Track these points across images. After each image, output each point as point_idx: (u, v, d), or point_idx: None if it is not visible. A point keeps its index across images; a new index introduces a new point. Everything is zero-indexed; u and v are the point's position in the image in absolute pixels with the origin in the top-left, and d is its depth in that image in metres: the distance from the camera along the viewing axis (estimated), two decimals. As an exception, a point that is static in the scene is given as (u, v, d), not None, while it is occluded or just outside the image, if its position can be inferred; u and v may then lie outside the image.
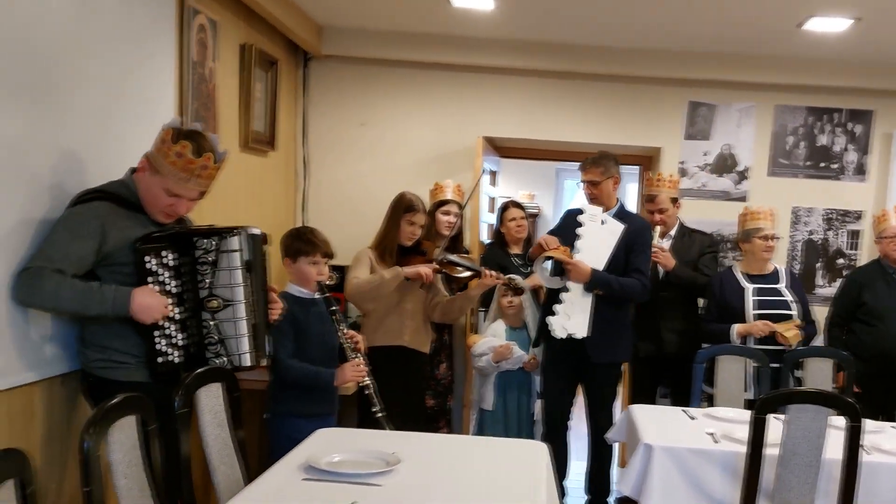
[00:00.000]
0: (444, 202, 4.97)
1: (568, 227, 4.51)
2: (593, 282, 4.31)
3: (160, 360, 2.79)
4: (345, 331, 3.61)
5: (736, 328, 4.48)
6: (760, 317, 4.48)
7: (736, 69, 5.48)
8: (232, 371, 2.90)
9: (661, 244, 4.81)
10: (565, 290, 4.35)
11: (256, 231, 2.93)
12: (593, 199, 4.49)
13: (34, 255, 2.63)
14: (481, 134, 5.53)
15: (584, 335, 4.33)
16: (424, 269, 4.21)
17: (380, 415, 3.56)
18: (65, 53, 2.84)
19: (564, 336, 4.33)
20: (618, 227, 4.42)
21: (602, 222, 4.41)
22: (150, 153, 2.79)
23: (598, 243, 4.39)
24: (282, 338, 3.43)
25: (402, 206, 4.30)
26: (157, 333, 2.78)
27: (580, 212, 4.51)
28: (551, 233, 4.58)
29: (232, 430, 2.92)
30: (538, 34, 5.31)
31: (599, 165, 4.46)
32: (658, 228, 4.84)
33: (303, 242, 3.55)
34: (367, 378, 3.57)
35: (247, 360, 2.89)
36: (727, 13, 4.58)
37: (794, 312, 4.50)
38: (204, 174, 2.79)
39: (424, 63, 5.56)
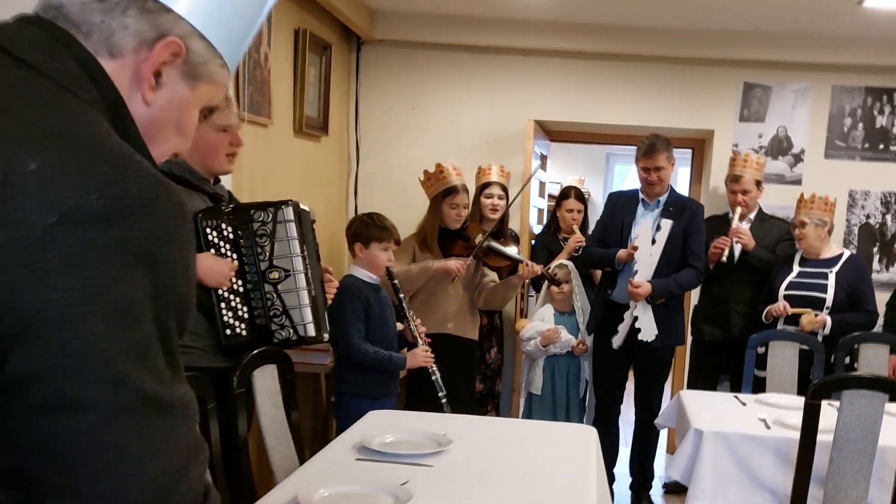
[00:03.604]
0: (487, 184, 4.81)
1: (619, 212, 4.48)
2: (655, 295, 4.31)
3: (228, 332, 2.81)
4: (415, 318, 3.70)
5: (767, 309, 4.46)
6: (787, 297, 4.42)
7: (791, 49, 5.36)
8: (298, 342, 2.91)
9: (741, 226, 4.71)
10: (626, 307, 4.36)
11: (306, 207, 2.94)
12: (651, 186, 4.41)
13: None
14: (532, 117, 5.51)
15: (655, 334, 4.35)
16: (454, 265, 4.14)
17: (444, 400, 3.67)
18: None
19: (622, 344, 4.37)
20: (666, 225, 4.37)
21: (658, 228, 4.38)
22: None
23: (651, 250, 4.37)
24: (355, 320, 3.49)
25: (441, 191, 4.30)
26: (222, 306, 2.81)
27: (631, 197, 4.48)
28: (599, 222, 4.59)
29: (287, 411, 2.98)
30: (588, 16, 5.26)
31: (665, 150, 4.34)
32: (738, 210, 4.75)
33: (376, 228, 3.59)
34: (433, 364, 3.68)
35: (311, 330, 2.89)
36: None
37: (826, 296, 4.39)
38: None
39: (475, 46, 5.55)
